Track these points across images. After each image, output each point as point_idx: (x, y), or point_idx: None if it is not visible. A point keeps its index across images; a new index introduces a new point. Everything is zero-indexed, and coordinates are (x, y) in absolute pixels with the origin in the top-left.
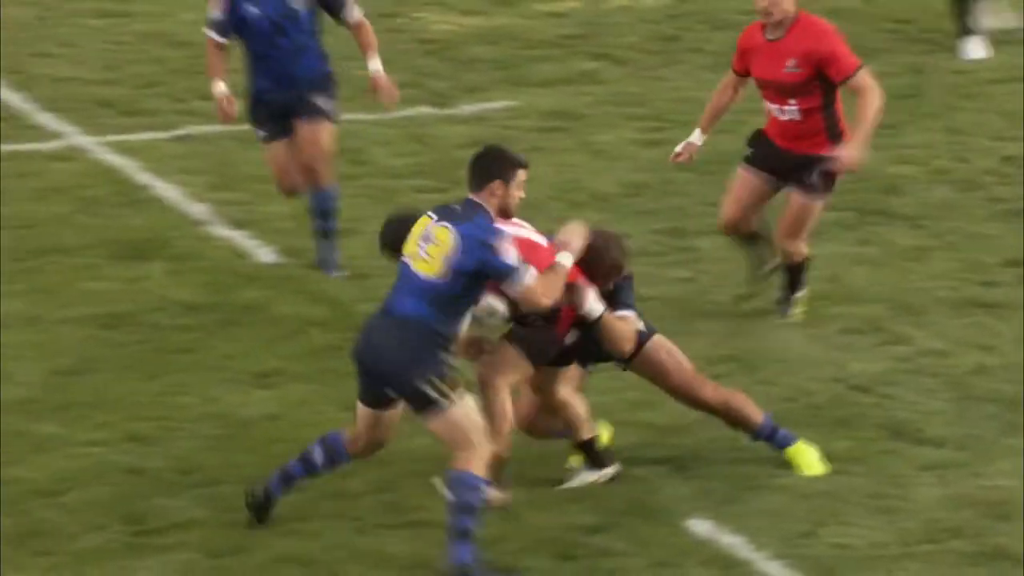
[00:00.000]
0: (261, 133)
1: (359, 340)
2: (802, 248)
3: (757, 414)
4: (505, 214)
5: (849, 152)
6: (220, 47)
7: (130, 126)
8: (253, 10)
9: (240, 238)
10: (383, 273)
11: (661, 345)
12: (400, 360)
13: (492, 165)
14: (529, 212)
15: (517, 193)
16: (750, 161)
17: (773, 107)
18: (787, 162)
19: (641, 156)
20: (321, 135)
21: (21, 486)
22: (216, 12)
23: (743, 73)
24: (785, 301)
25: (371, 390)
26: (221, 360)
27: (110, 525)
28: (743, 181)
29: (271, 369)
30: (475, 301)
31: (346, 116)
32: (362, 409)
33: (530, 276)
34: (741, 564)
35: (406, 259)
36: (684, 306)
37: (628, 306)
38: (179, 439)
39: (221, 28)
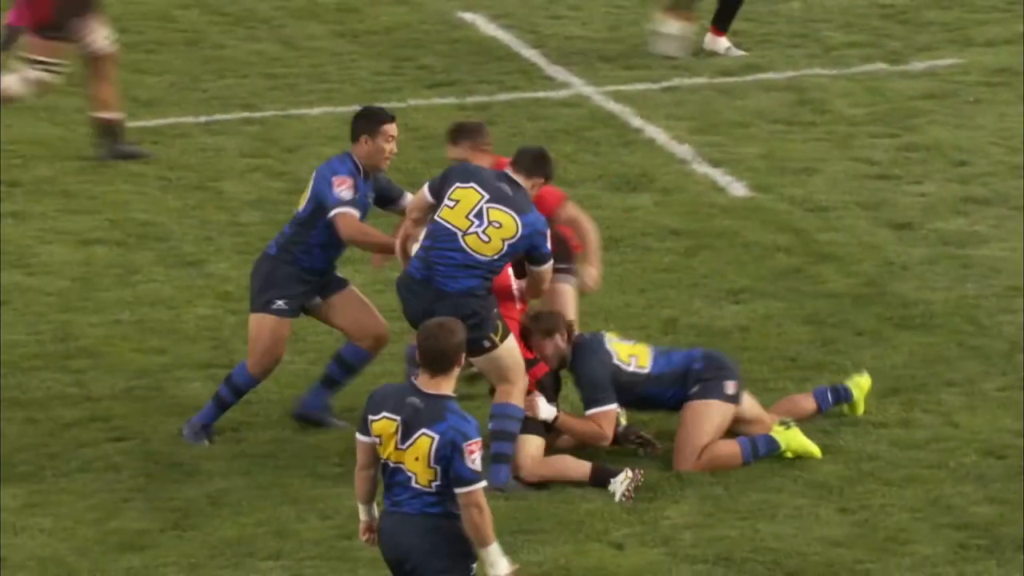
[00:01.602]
0: (281, 304)
1: (412, 305)
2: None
3: (734, 453)
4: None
5: (595, 274)
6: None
7: (627, 78)
8: (365, 195)
9: (717, 175)
10: (838, 206)
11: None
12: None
13: (542, 163)
14: (970, 156)
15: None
16: None
17: None
18: None
19: None
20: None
21: None
22: (349, 192)
23: None
24: None
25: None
26: (699, 278)
27: None
28: None
29: (742, 287)
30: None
31: (811, 71)
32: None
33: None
34: None
35: (450, 227)
36: None
37: (600, 400)
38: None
39: (355, 204)
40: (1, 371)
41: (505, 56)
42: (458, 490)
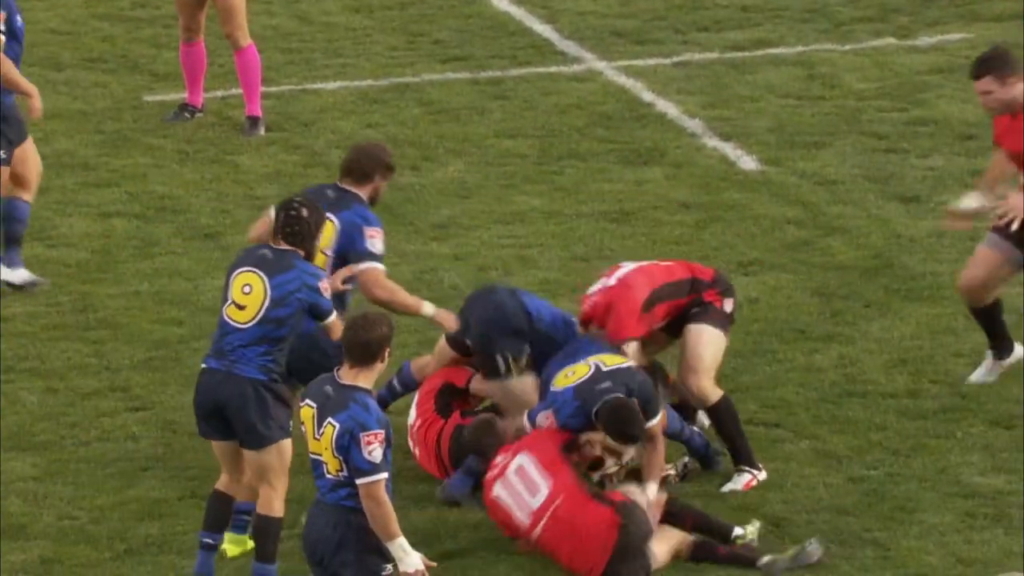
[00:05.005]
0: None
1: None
2: None
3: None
4: None
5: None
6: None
7: (639, 53)
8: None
9: (727, 148)
10: (847, 180)
11: None
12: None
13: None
14: (978, 130)
15: None
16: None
17: None
18: None
19: None
20: None
21: None
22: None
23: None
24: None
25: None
26: (710, 251)
27: None
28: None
29: (752, 260)
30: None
31: (820, 46)
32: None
33: None
34: None
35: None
36: None
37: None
38: None
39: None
40: (22, 342)
41: (518, 31)
42: (357, 481)
